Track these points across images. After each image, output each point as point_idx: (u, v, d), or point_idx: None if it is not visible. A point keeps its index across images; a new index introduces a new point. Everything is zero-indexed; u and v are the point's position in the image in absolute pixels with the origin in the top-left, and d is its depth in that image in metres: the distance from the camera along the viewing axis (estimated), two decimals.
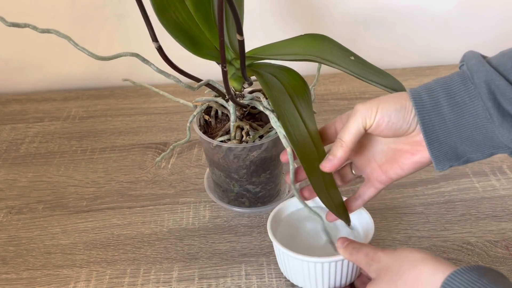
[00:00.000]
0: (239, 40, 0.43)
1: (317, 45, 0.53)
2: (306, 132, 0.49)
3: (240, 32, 0.42)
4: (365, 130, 0.44)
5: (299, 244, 0.56)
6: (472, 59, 0.42)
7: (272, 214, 0.54)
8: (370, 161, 0.49)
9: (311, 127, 0.50)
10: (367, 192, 0.50)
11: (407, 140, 0.45)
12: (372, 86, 0.89)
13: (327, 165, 0.46)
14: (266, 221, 0.62)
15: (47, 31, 0.46)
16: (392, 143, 0.47)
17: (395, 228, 0.60)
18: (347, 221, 0.50)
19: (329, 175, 0.49)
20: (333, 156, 0.45)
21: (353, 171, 0.52)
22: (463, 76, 0.42)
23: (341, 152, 0.45)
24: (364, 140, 0.48)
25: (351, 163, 0.52)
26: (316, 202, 0.57)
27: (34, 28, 0.45)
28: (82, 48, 0.47)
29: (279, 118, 0.47)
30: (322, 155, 0.48)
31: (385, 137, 0.46)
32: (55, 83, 0.95)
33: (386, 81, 0.50)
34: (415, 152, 0.45)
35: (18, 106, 0.89)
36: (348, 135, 0.44)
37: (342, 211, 0.50)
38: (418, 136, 0.44)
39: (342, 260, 0.48)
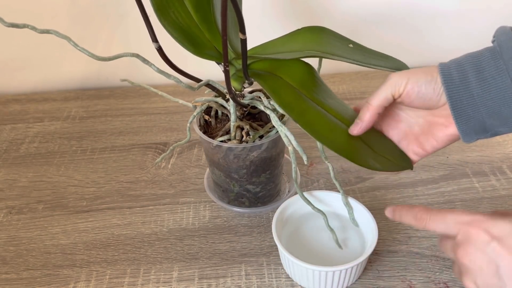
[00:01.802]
0: (241, 39, 0.43)
1: (316, 38, 0.53)
2: (332, 118, 0.49)
3: (243, 31, 0.41)
4: (394, 99, 0.46)
5: (303, 244, 0.56)
6: (502, 35, 0.42)
7: (276, 215, 0.54)
8: (407, 134, 0.50)
9: (337, 108, 0.50)
10: None
11: (440, 113, 0.46)
12: (372, 86, 0.90)
13: (355, 129, 0.48)
14: (266, 221, 0.62)
15: (47, 31, 0.46)
16: (428, 115, 0.48)
17: (395, 228, 0.60)
18: (410, 165, 0.50)
19: (372, 139, 0.49)
20: (360, 120, 0.48)
21: None
22: (493, 52, 0.43)
23: (368, 115, 0.47)
24: (401, 113, 0.50)
25: None
26: (319, 199, 0.57)
27: (33, 28, 0.45)
28: (82, 48, 0.47)
29: (301, 125, 0.46)
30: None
31: (416, 107, 0.47)
32: (55, 83, 0.95)
33: (388, 63, 0.51)
34: (448, 124, 0.46)
35: (18, 106, 0.89)
36: (376, 100, 0.46)
37: (401, 161, 0.49)
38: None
39: (346, 269, 0.49)
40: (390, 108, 0.50)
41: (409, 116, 0.50)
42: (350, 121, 0.49)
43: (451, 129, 0.46)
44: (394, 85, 0.45)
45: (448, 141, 0.47)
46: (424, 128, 0.49)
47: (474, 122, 0.44)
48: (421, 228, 0.45)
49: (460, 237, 0.42)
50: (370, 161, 0.47)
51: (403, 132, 0.51)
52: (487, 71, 0.42)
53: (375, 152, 0.48)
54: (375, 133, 0.51)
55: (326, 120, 0.48)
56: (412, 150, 0.50)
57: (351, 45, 0.52)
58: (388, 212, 0.49)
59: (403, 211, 0.47)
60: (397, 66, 0.51)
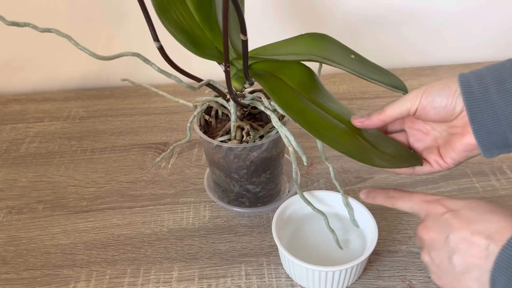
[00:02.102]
0: (242, 40, 0.43)
1: (318, 45, 0.53)
2: (332, 119, 0.49)
3: (244, 32, 0.41)
4: (409, 114, 0.46)
5: (303, 244, 0.56)
6: None
7: (276, 215, 0.54)
8: (431, 146, 0.49)
9: (337, 111, 0.50)
10: (423, 169, 0.49)
11: (457, 122, 0.45)
12: (373, 86, 0.90)
13: (357, 119, 0.48)
14: (266, 221, 0.62)
15: (48, 30, 0.46)
16: (449, 128, 0.47)
17: (395, 228, 0.60)
18: (419, 161, 0.49)
19: (376, 140, 0.49)
20: (368, 117, 0.48)
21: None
22: None
23: (376, 118, 0.47)
24: (427, 126, 0.50)
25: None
26: (319, 200, 0.57)
27: (34, 27, 0.45)
28: (83, 47, 0.47)
29: (300, 123, 0.45)
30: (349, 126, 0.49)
31: (434, 121, 0.46)
32: (55, 83, 0.95)
33: (387, 79, 0.50)
34: (464, 133, 0.45)
35: (18, 106, 0.89)
36: (390, 109, 0.47)
37: (409, 158, 0.49)
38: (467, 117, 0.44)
39: (346, 269, 0.49)
40: (418, 122, 0.50)
41: (435, 130, 0.49)
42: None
43: (467, 138, 0.45)
44: (411, 98, 0.45)
45: (465, 152, 0.46)
46: (446, 141, 0.48)
47: (495, 137, 0.43)
48: (391, 206, 0.48)
49: (422, 214, 0.45)
50: (375, 159, 0.46)
51: (429, 144, 0.50)
52: (509, 83, 0.41)
53: (380, 151, 0.48)
54: (380, 134, 0.51)
55: (325, 120, 0.48)
56: (433, 159, 0.49)
57: (352, 56, 0.52)
58: (363, 194, 0.51)
59: (376, 192, 0.50)
60: (395, 83, 0.51)
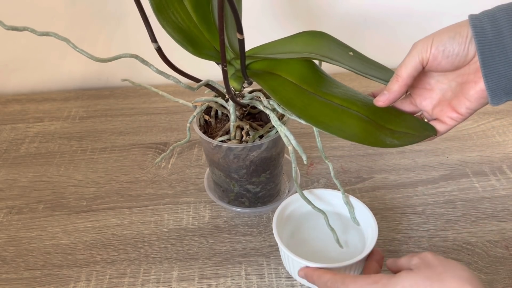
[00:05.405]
0: (239, 39, 0.43)
1: (316, 42, 0.53)
2: (339, 106, 0.48)
3: (240, 31, 0.42)
4: (423, 67, 0.45)
5: (304, 242, 0.56)
6: None
7: (276, 213, 0.54)
8: (440, 101, 0.48)
9: (343, 95, 0.49)
10: (440, 131, 0.48)
11: (469, 69, 0.44)
12: (372, 86, 0.90)
13: (381, 99, 0.47)
14: (266, 221, 0.62)
15: (46, 34, 0.46)
16: (459, 77, 0.46)
17: (395, 228, 0.60)
18: (433, 131, 0.47)
19: (386, 117, 0.48)
20: (388, 90, 0.46)
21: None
22: None
23: (396, 86, 0.46)
24: (431, 81, 0.48)
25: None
26: (319, 198, 0.57)
27: (33, 31, 0.45)
28: (81, 50, 0.47)
29: (305, 120, 0.45)
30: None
31: (446, 70, 0.45)
32: (55, 83, 0.95)
33: (385, 75, 0.50)
34: (477, 80, 0.43)
35: (18, 106, 0.89)
36: (404, 70, 0.45)
37: (423, 130, 0.47)
38: (478, 62, 0.42)
39: (345, 267, 0.49)
40: (420, 78, 0.48)
41: (441, 83, 0.48)
42: (361, 105, 0.49)
43: (481, 84, 0.43)
44: (420, 50, 0.44)
45: (480, 99, 0.44)
46: (456, 91, 0.46)
47: (505, 81, 0.41)
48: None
49: None
50: (386, 140, 0.46)
51: (437, 100, 0.48)
52: None
53: (391, 130, 0.47)
54: (389, 110, 0.50)
55: (331, 109, 0.48)
56: (446, 115, 0.47)
57: (351, 53, 0.52)
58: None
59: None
60: None
